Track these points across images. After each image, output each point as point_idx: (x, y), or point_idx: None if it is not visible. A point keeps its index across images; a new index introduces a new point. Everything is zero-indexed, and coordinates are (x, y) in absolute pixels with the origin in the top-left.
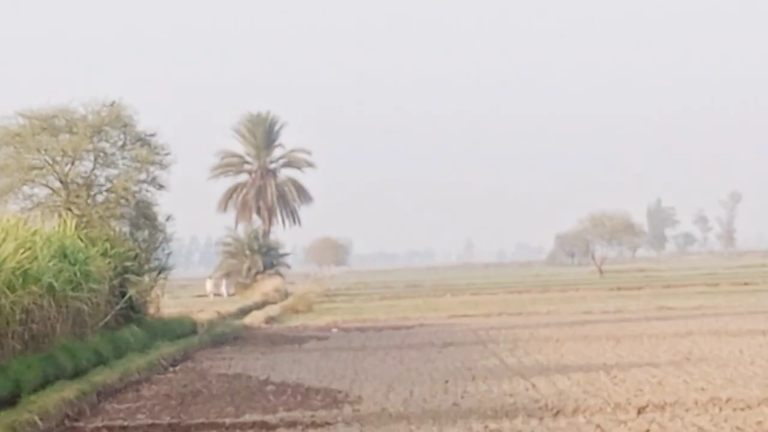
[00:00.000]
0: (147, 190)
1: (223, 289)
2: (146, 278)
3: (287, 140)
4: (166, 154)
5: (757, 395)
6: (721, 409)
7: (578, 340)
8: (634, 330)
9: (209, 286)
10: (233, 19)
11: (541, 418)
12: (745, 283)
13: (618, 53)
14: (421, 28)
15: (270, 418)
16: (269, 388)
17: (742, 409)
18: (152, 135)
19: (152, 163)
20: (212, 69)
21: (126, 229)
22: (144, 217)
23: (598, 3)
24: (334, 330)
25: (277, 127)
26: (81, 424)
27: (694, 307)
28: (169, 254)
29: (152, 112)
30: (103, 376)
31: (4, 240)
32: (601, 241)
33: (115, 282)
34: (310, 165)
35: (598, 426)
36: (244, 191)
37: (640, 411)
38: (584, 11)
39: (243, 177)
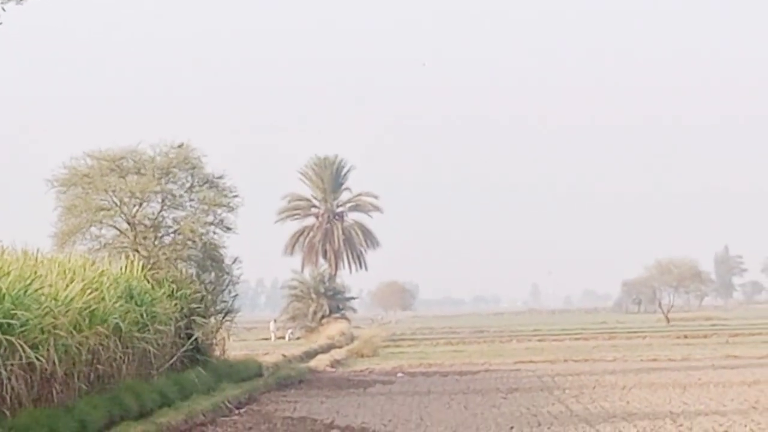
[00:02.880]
0: (214, 232)
1: (287, 334)
2: (212, 320)
3: (354, 184)
4: (234, 197)
5: None
6: None
7: (644, 387)
8: (700, 378)
9: (272, 329)
10: (299, 59)
11: None
12: None
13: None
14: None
15: None
16: (334, 431)
17: None
18: (220, 177)
19: (220, 205)
20: (281, 111)
21: (193, 270)
22: (211, 259)
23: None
24: (400, 375)
25: (344, 171)
26: None
27: (761, 356)
28: (235, 297)
29: (219, 155)
30: (167, 418)
31: (71, 280)
32: (668, 289)
33: (181, 324)
34: (377, 209)
35: None
36: (311, 234)
37: None
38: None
39: (310, 220)
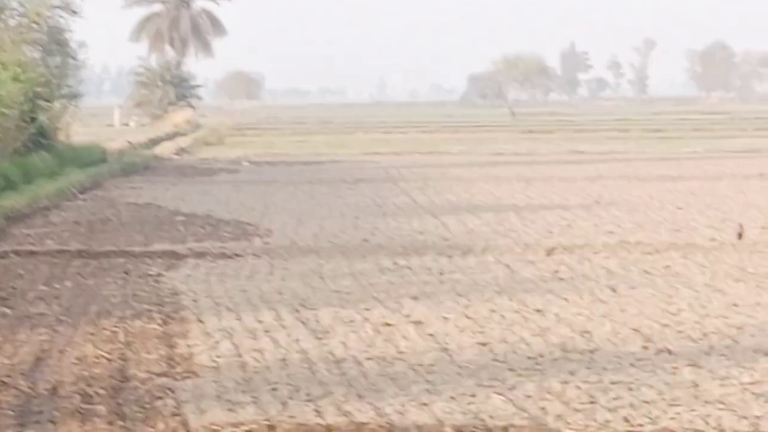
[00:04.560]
0: (60, 16)
1: (132, 121)
2: (57, 105)
3: None
4: None
5: (665, 240)
6: (629, 253)
7: (489, 180)
8: (544, 172)
9: (117, 116)
10: None
11: (450, 256)
12: (656, 130)
13: None
14: None
15: (179, 248)
16: (179, 218)
17: (650, 254)
18: None
19: None
20: None
21: (38, 54)
22: (56, 43)
23: None
24: (245, 163)
25: None
26: None
27: (604, 152)
28: (80, 82)
29: None
30: (11, 201)
31: None
32: (514, 84)
33: (26, 107)
34: None
35: (506, 265)
36: (158, 21)
37: (549, 252)
38: None
39: (157, 7)
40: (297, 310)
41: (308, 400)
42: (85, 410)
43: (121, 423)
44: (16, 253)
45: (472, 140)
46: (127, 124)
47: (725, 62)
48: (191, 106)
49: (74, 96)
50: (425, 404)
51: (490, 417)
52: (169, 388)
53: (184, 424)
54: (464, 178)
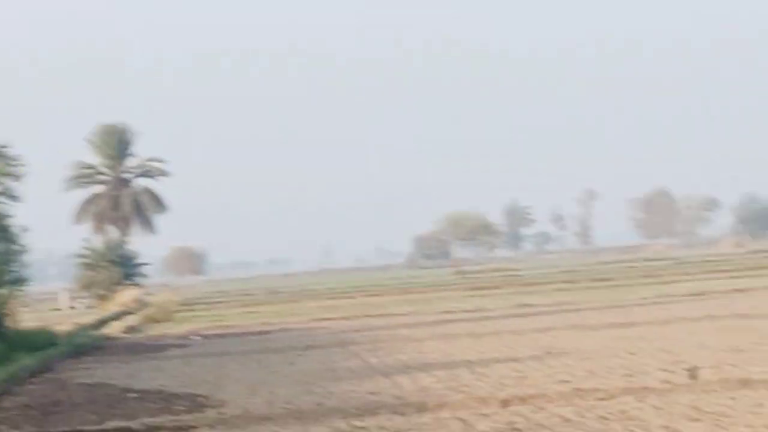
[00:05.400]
0: (1, 202)
1: (80, 303)
2: (3, 291)
3: (142, 150)
4: (20, 165)
5: (619, 385)
6: (584, 399)
7: (439, 338)
8: (494, 327)
9: (63, 298)
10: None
11: (404, 414)
12: (603, 279)
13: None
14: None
15: (133, 424)
16: (131, 395)
17: (605, 399)
18: (4, 146)
19: (5, 174)
20: (67, 80)
21: None
22: None
23: None
24: (195, 337)
25: (130, 137)
26: None
27: (553, 304)
28: (25, 267)
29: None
30: None
31: None
32: (459, 242)
33: None
34: (164, 174)
35: (462, 420)
36: (100, 202)
37: (504, 404)
38: None
39: (98, 188)
40: None
41: None
42: None
43: None
44: None
45: (419, 300)
46: (74, 307)
47: (667, 208)
48: (137, 285)
49: (20, 281)
50: None
51: None
52: None
53: None
54: (414, 337)
